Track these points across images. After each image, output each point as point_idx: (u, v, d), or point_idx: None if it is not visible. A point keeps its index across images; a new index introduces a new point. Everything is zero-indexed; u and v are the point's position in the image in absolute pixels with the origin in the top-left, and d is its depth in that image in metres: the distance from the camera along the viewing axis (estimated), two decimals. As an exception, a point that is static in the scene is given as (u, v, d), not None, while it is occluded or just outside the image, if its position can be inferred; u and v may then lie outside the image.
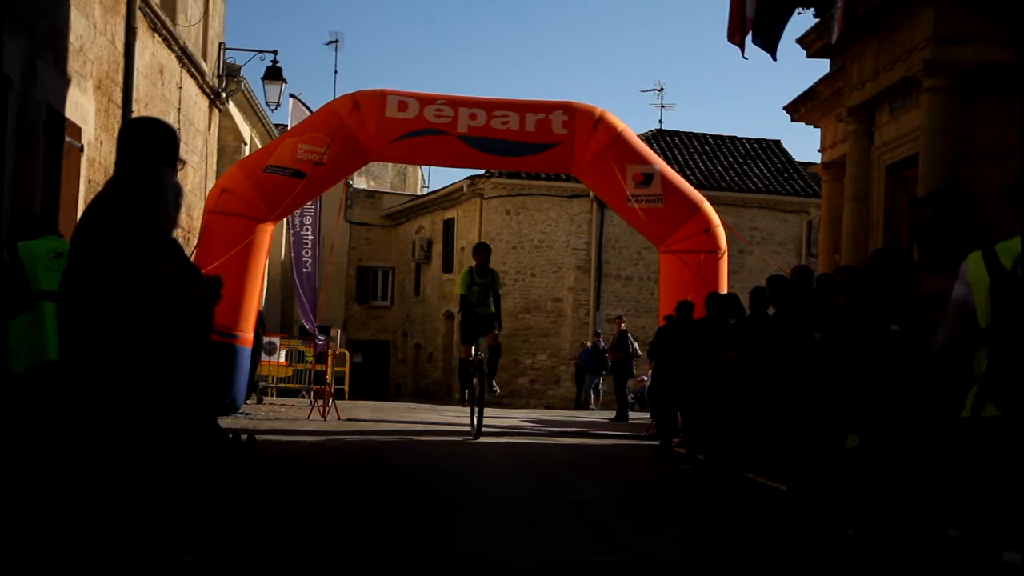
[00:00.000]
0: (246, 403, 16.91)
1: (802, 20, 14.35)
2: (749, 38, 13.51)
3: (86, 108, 11.57)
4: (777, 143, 33.53)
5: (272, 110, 21.41)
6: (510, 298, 28.10)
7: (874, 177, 13.16)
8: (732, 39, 13.76)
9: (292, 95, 20.02)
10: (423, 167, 39.54)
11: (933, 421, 5.76)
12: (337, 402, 17.52)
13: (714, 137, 33.29)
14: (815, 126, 16.29)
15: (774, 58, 13.44)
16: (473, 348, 14.53)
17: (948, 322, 4.85)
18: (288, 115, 19.76)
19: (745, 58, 13.95)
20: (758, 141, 33.58)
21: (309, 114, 18.10)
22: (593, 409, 24.71)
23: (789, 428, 8.98)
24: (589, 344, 25.72)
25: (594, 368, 24.99)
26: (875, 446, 7.18)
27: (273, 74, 19.98)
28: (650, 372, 22.49)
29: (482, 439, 14.54)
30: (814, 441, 8.73)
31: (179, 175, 16.10)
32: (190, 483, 4.49)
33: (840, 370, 7.38)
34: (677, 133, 33.20)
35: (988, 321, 4.60)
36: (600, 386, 25.23)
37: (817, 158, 17.02)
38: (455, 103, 15.99)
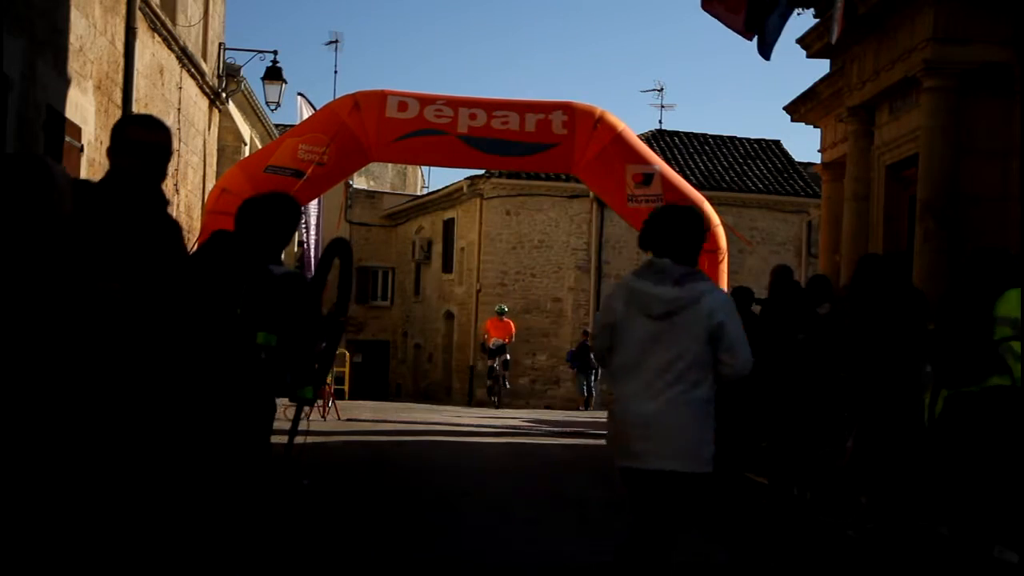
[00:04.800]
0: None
1: (802, 20, 14.30)
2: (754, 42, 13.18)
3: (86, 108, 11.57)
4: (777, 143, 33.50)
5: (272, 110, 21.39)
6: (510, 298, 28.09)
7: (874, 177, 13.15)
8: (706, 6, 13.27)
9: (300, 94, 20.02)
10: (423, 167, 39.53)
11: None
12: (337, 402, 17.51)
13: (714, 137, 33.26)
14: (815, 126, 16.29)
15: (767, 59, 13.27)
16: None
17: None
18: (296, 114, 19.73)
19: (727, 26, 13.19)
20: (758, 141, 33.55)
21: (316, 111, 18.09)
22: (582, 409, 24.59)
23: (783, 427, 8.99)
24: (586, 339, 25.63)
25: (580, 367, 24.94)
26: (881, 445, 7.19)
27: (273, 74, 19.96)
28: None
29: (482, 439, 14.55)
30: (808, 440, 8.74)
31: (179, 175, 16.10)
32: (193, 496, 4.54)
33: (856, 360, 7.39)
34: (677, 133, 33.17)
35: None
36: (593, 385, 25.11)
37: (817, 158, 17.02)
38: (455, 103, 15.99)
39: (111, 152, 4.71)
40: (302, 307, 4.99)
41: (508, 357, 25.25)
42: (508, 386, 25.63)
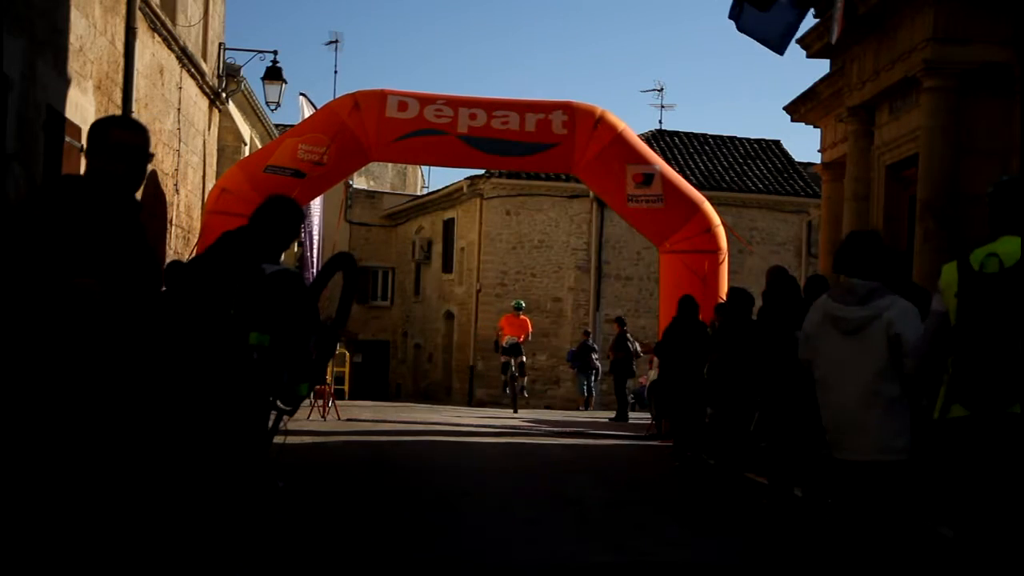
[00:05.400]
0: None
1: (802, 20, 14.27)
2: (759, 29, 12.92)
3: (86, 108, 11.57)
4: (777, 143, 33.49)
5: (272, 110, 21.37)
6: (510, 298, 28.07)
7: (874, 177, 13.16)
8: None
9: (302, 94, 20.04)
10: (423, 167, 39.52)
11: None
12: (337, 402, 17.51)
13: (714, 137, 33.26)
14: (815, 126, 16.29)
15: (781, 54, 13.07)
16: None
17: None
18: (298, 114, 19.74)
19: (731, 19, 12.89)
20: (758, 141, 33.55)
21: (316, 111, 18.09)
22: (582, 409, 24.54)
23: (783, 427, 8.98)
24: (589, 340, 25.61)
25: (581, 368, 24.90)
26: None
27: (273, 74, 19.95)
28: (650, 372, 22.43)
29: (482, 439, 14.53)
30: (808, 440, 8.73)
31: (179, 175, 16.09)
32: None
33: None
34: (677, 133, 33.17)
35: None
36: (593, 385, 25.08)
37: (817, 158, 17.03)
38: (455, 103, 15.99)
39: (91, 153, 4.66)
40: (294, 303, 4.97)
41: (524, 359, 22.45)
42: (527, 394, 23.23)
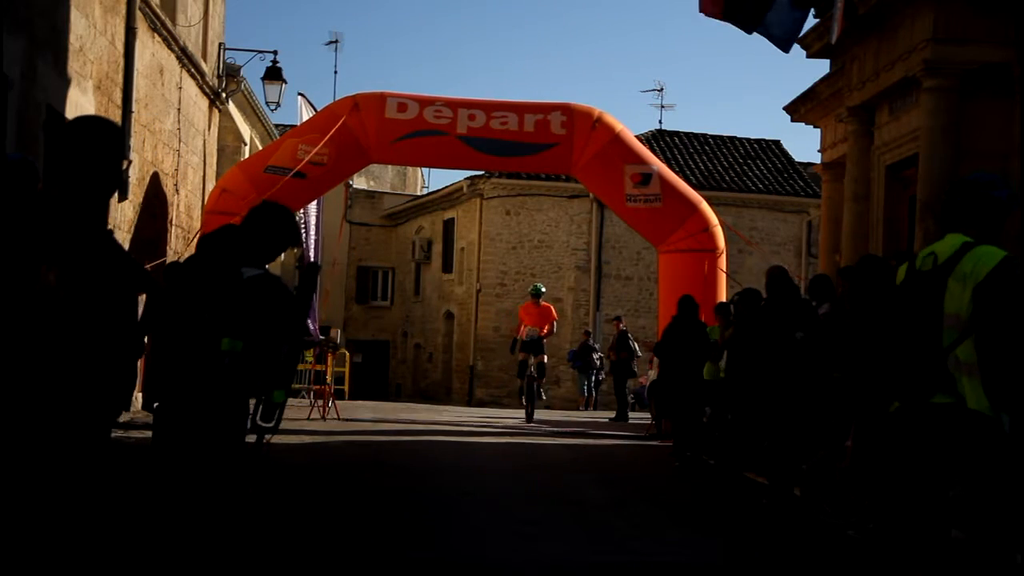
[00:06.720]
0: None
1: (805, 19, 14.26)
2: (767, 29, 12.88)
3: (86, 108, 11.57)
4: (777, 143, 33.49)
5: (272, 110, 21.38)
6: (510, 298, 28.10)
7: (874, 177, 13.16)
8: (704, 10, 13.11)
9: (300, 94, 20.04)
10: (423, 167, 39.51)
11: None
12: (337, 402, 17.50)
13: (714, 137, 33.26)
14: (815, 126, 16.30)
15: (786, 51, 12.93)
16: None
17: None
18: (296, 114, 19.75)
19: (722, 19, 12.72)
20: (758, 141, 33.55)
21: (316, 112, 18.11)
22: (582, 409, 24.51)
23: (783, 427, 8.99)
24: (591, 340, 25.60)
25: (582, 368, 24.87)
26: (873, 444, 7.19)
27: (273, 74, 19.96)
28: (650, 372, 22.42)
29: (482, 439, 14.53)
30: (807, 440, 8.73)
31: (179, 175, 16.08)
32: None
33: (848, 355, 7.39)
34: (677, 133, 33.18)
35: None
36: (593, 385, 25.06)
37: (817, 158, 17.03)
38: (454, 104, 16.02)
39: (113, 158, 4.65)
40: (270, 309, 4.84)
41: (545, 358, 18.68)
42: (544, 396, 19.70)
